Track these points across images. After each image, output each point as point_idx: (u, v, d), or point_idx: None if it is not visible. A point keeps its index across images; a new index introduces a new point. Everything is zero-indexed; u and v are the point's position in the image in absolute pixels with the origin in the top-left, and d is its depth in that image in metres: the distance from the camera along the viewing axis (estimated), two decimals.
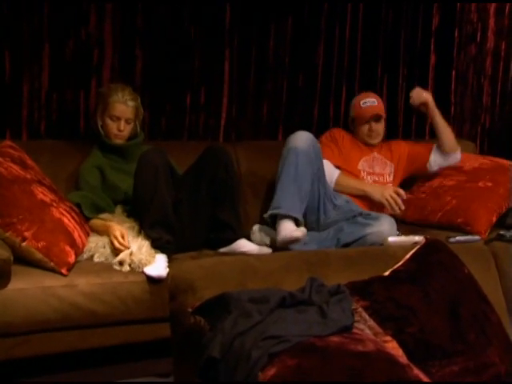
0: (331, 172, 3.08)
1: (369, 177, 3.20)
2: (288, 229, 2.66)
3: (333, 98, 3.71)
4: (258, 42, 3.45)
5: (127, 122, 2.78)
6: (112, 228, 2.47)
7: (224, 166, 2.62)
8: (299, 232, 2.63)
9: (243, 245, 2.64)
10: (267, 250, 2.65)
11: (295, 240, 2.63)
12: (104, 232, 2.50)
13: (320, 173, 2.88)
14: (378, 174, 3.22)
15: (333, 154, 3.17)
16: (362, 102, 3.29)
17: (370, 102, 3.27)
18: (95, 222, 2.57)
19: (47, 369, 2.29)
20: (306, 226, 2.76)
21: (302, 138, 2.82)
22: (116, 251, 2.41)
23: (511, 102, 4.24)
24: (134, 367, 2.40)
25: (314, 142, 2.84)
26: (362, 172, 3.20)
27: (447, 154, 3.32)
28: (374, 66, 3.82)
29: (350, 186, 3.07)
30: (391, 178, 3.24)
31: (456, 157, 3.35)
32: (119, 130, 2.76)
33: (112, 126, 2.76)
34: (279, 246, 2.69)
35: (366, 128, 3.26)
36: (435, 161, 3.32)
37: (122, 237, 2.43)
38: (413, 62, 3.93)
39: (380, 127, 3.28)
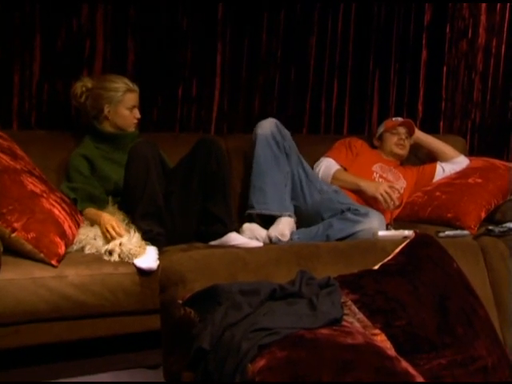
0: (330, 166, 3.11)
1: (380, 179, 3.21)
2: (278, 231, 2.73)
3: (324, 91, 3.72)
4: (250, 35, 3.45)
5: (138, 108, 2.83)
6: (104, 218, 2.48)
7: (216, 158, 2.62)
8: (285, 238, 2.72)
9: (234, 238, 2.64)
10: (258, 244, 2.66)
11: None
12: (96, 221, 2.51)
13: (294, 154, 2.92)
14: (390, 181, 3.21)
15: (339, 155, 3.24)
16: (393, 118, 3.50)
17: (401, 119, 3.45)
18: (89, 210, 2.58)
19: (36, 359, 2.29)
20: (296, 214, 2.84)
21: (265, 125, 2.89)
22: (107, 235, 2.43)
23: (501, 98, 4.26)
24: (123, 358, 2.40)
25: (278, 126, 2.90)
26: (375, 174, 3.23)
27: (452, 162, 3.37)
28: (366, 60, 3.82)
29: (345, 180, 3.09)
30: (402, 192, 3.21)
31: (461, 161, 3.39)
32: (137, 118, 2.81)
33: (129, 116, 2.79)
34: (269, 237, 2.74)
35: (395, 138, 3.34)
36: (444, 171, 3.37)
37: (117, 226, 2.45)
38: (404, 57, 3.94)
39: (407, 142, 3.35)
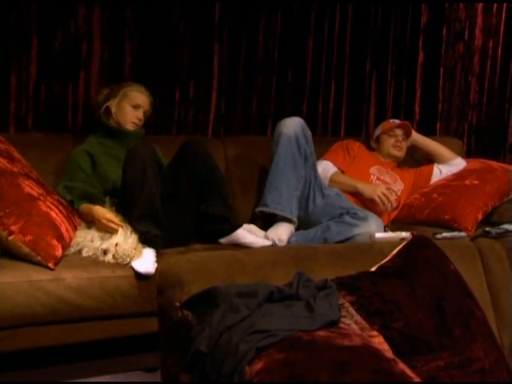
0: (328, 169, 3.11)
1: (378, 182, 3.21)
2: (278, 233, 2.71)
3: (322, 93, 3.72)
4: (247, 37, 3.45)
5: (144, 114, 2.87)
6: (98, 211, 2.49)
7: (201, 159, 2.59)
8: (283, 242, 2.69)
9: (243, 236, 2.60)
10: (266, 243, 2.61)
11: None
12: (89, 215, 2.51)
13: (312, 158, 2.89)
14: (387, 183, 3.21)
15: (337, 158, 3.23)
16: (390, 120, 3.50)
17: (399, 121, 3.46)
18: (83, 207, 2.57)
19: (34, 363, 2.29)
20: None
21: (290, 124, 2.83)
22: (108, 229, 2.44)
23: (498, 100, 4.27)
24: (121, 361, 2.40)
25: (303, 127, 2.85)
26: (372, 176, 3.23)
27: (449, 164, 3.37)
28: (363, 62, 3.83)
29: (342, 182, 3.09)
30: (399, 194, 3.21)
31: (458, 163, 3.40)
32: (138, 119, 2.85)
33: (132, 113, 2.84)
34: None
35: (392, 139, 3.35)
36: (441, 173, 3.37)
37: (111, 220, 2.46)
38: (401, 59, 3.95)
39: (404, 144, 3.36)
